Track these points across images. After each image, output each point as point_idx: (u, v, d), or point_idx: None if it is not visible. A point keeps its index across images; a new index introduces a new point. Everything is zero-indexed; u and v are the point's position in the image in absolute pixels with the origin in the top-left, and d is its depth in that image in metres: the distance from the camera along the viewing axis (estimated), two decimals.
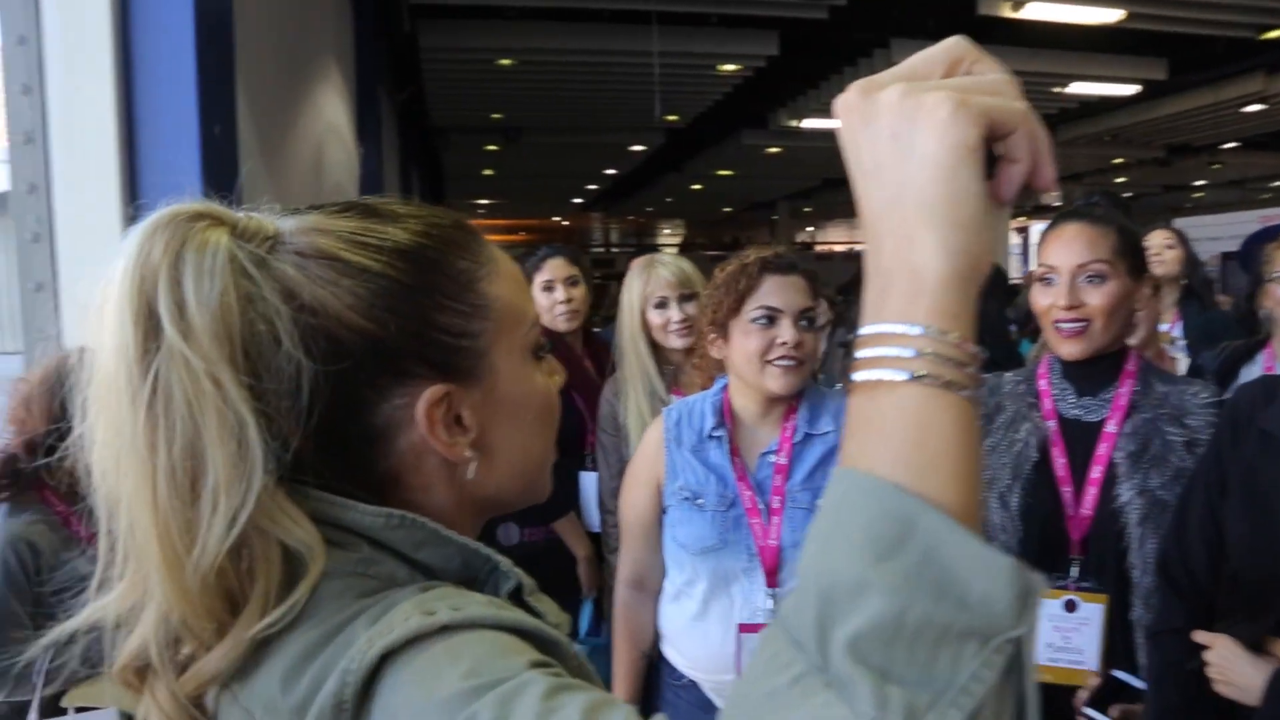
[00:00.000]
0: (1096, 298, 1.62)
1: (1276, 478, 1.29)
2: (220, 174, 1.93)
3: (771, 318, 1.62)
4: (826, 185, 17.41)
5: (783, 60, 8.00)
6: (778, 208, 20.85)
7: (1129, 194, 20.75)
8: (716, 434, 1.69)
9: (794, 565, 1.59)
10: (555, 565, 2.61)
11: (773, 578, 1.61)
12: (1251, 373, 2.35)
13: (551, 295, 2.82)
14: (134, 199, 1.84)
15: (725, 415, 1.71)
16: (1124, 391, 1.66)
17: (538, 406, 0.73)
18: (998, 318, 3.79)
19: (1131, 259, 1.68)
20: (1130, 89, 9.37)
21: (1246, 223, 12.07)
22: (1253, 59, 8.63)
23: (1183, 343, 3.24)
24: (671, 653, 1.74)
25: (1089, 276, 1.63)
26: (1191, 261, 3.53)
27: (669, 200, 20.29)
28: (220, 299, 0.59)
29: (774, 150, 12.80)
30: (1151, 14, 7.01)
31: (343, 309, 0.63)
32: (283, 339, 0.61)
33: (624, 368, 2.48)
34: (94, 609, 0.62)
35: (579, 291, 2.85)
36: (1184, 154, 14.23)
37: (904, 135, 0.49)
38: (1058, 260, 1.65)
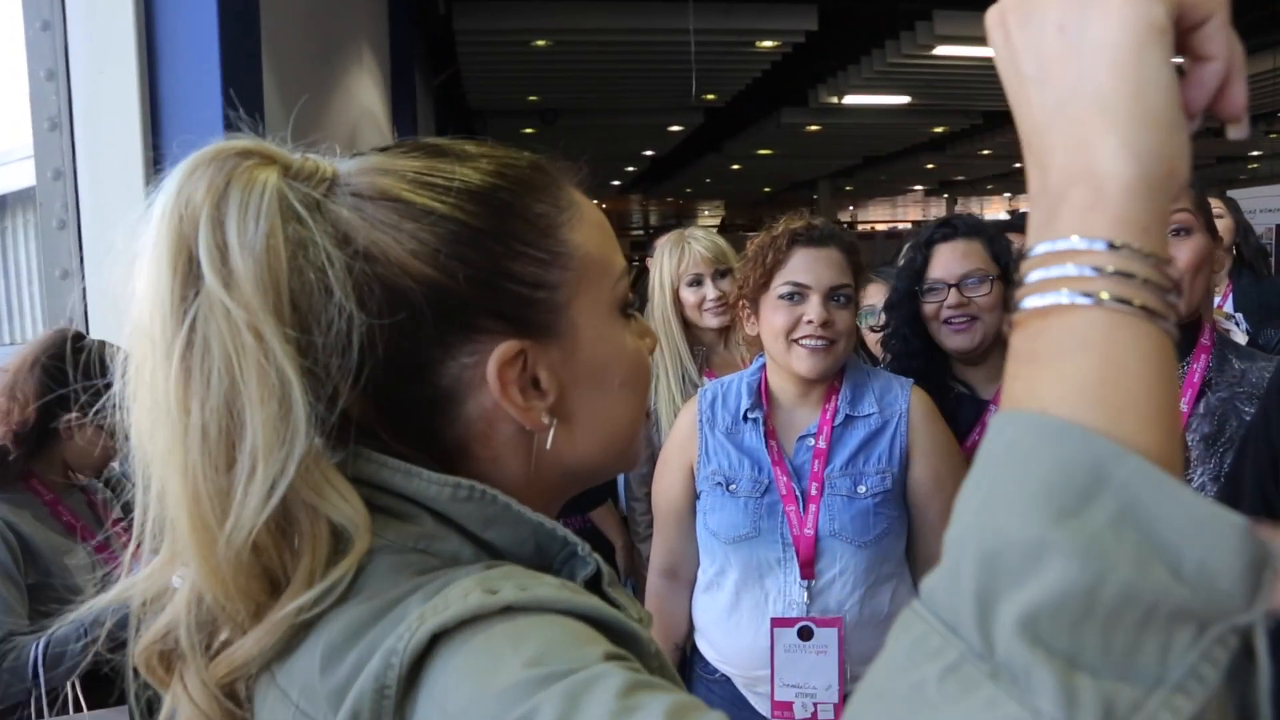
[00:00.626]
0: (1184, 252, 1.48)
1: None
2: None
3: (799, 294, 1.51)
4: (867, 163, 17.16)
5: (822, 35, 7.84)
6: (818, 187, 20.59)
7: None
8: (753, 415, 1.58)
9: (832, 555, 1.49)
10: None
11: (808, 569, 1.50)
12: None
13: None
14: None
15: (762, 396, 1.60)
16: (1198, 368, 1.50)
17: (626, 368, 0.65)
18: None
19: (1207, 217, 1.54)
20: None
21: None
22: None
23: (1239, 317, 3.10)
24: (704, 645, 1.66)
25: (1175, 228, 1.47)
26: (1244, 230, 3.31)
27: (708, 181, 20.14)
28: (266, 242, 0.53)
29: (814, 128, 12.59)
30: None
31: (404, 255, 0.56)
32: (334, 288, 0.54)
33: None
34: (124, 586, 0.57)
35: None
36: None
37: (1073, 24, 0.41)
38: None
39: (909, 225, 30.89)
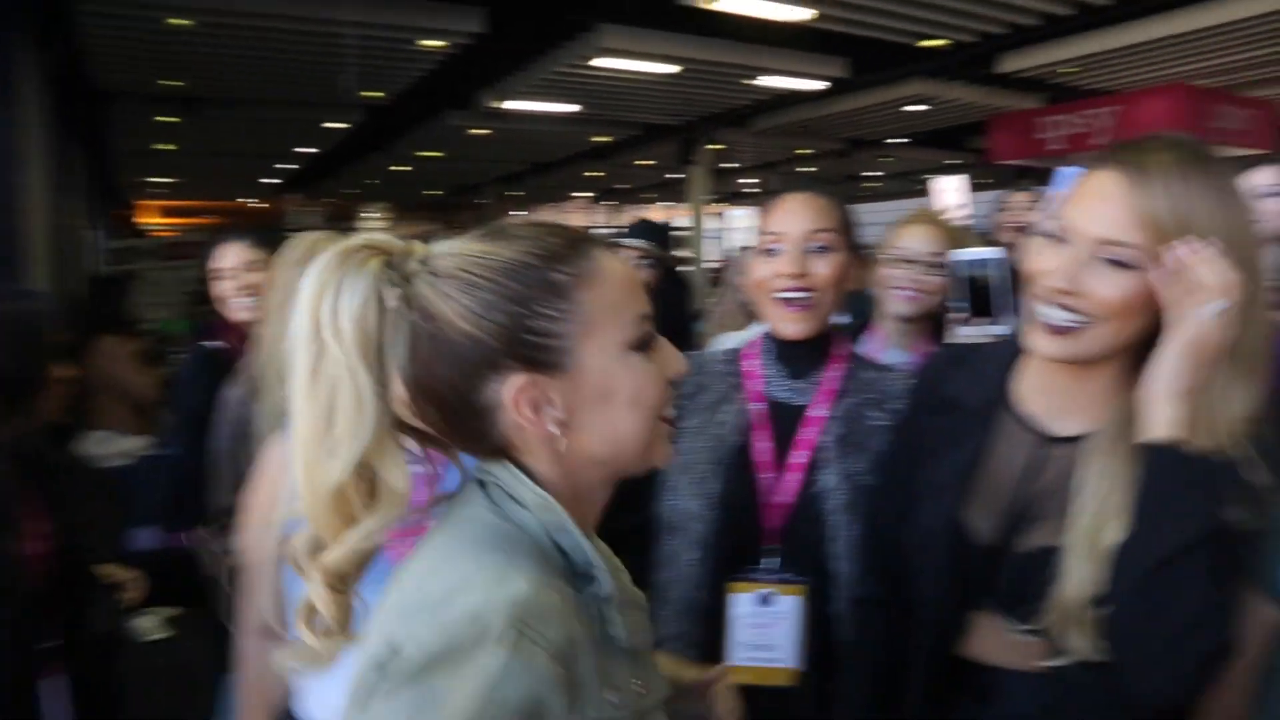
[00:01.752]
0: (824, 267, 1.58)
1: (949, 441, 1.24)
2: None
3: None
4: (536, 170, 17.36)
5: (489, 39, 7.73)
6: (485, 192, 20.54)
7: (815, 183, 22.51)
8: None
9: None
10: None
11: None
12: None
13: (229, 283, 2.61)
14: None
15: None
16: (833, 375, 1.65)
17: (629, 391, 0.86)
18: (679, 314, 3.76)
19: (851, 236, 1.67)
20: (818, 84, 10.01)
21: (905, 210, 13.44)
22: (916, 64, 9.51)
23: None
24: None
25: (818, 246, 1.58)
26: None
27: (373, 182, 19.35)
28: (361, 310, 0.81)
29: (482, 132, 12.49)
30: (836, 15, 7.48)
31: (454, 316, 0.82)
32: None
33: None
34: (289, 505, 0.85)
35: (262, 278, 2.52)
36: (860, 147, 15.56)
37: None
38: (785, 227, 1.59)
39: (626, 229, 31.97)
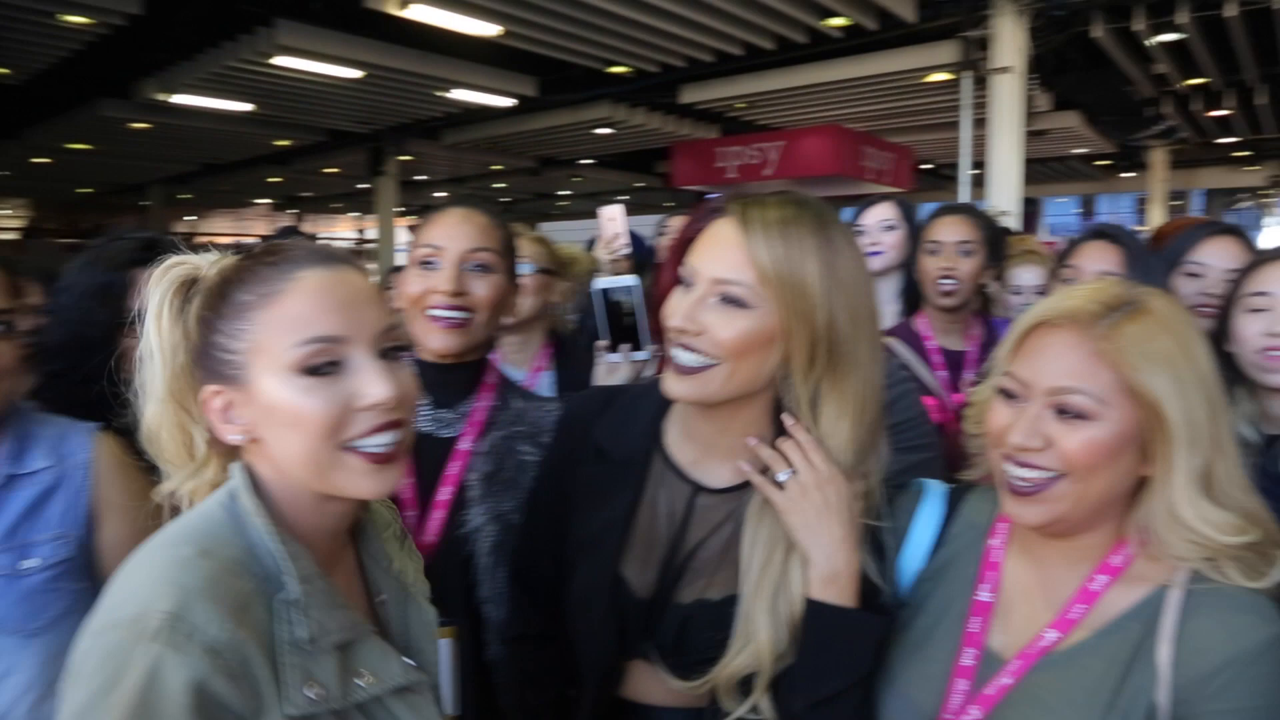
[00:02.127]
0: (483, 288, 1.50)
1: (603, 492, 1.20)
2: None
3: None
4: (207, 171, 16.00)
5: (150, 22, 6.98)
6: (149, 192, 18.63)
7: (507, 199, 22.63)
8: None
9: None
10: None
11: None
12: None
13: None
14: None
15: None
16: (482, 406, 1.54)
17: (287, 414, 0.86)
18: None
19: (512, 259, 1.60)
20: (507, 101, 10.03)
21: (594, 230, 13.86)
22: (603, 88, 9.82)
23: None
24: None
25: (477, 265, 1.50)
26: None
27: (5, 174, 16.85)
28: (162, 320, 0.94)
29: (142, 126, 11.28)
30: (524, 34, 7.53)
31: (184, 328, 0.93)
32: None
33: None
34: None
35: None
36: (551, 165, 15.83)
37: None
38: (444, 242, 1.49)
39: (257, 240, 29.72)
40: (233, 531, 0.86)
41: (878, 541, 1.13)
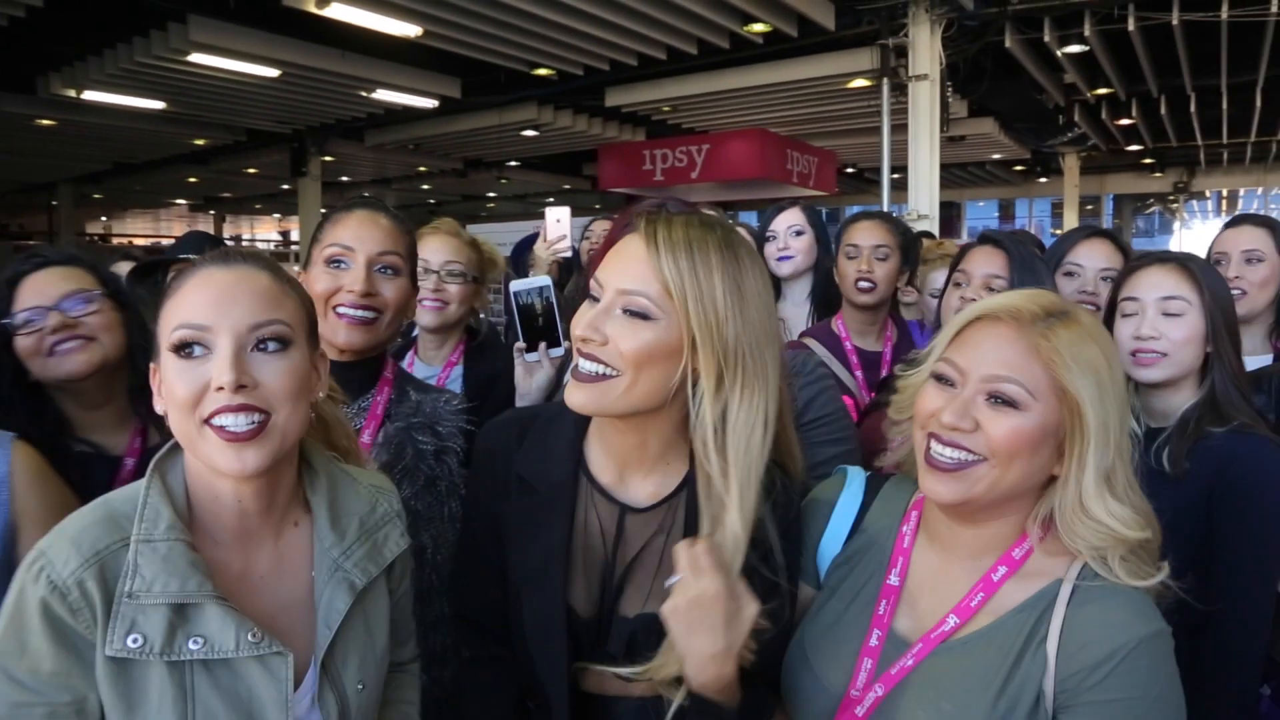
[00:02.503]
0: (391, 290, 1.58)
1: (535, 522, 1.20)
2: None
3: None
4: (120, 170, 15.53)
5: (53, 14, 6.74)
6: (58, 191, 18.00)
7: (433, 200, 22.41)
8: None
9: None
10: None
11: None
12: None
13: None
14: None
15: None
16: (381, 400, 1.62)
17: (165, 388, 1.05)
18: None
19: (414, 263, 1.68)
20: (430, 102, 9.93)
21: (526, 231, 13.84)
22: (529, 90, 9.79)
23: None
24: None
25: (385, 267, 1.58)
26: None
27: None
28: None
29: (48, 123, 10.89)
30: (445, 35, 7.46)
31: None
32: None
33: None
34: None
35: None
36: (478, 167, 15.72)
37: None
38: (354, 243, 1.56)
39: (173, 241, 28.91)
40: (138, 493, 1.04)
41: (798, 534, 1.19)
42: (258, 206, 22.94)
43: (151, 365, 1.07)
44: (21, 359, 1.55)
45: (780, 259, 2.62)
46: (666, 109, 11.08)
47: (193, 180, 16.50)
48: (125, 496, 1.04)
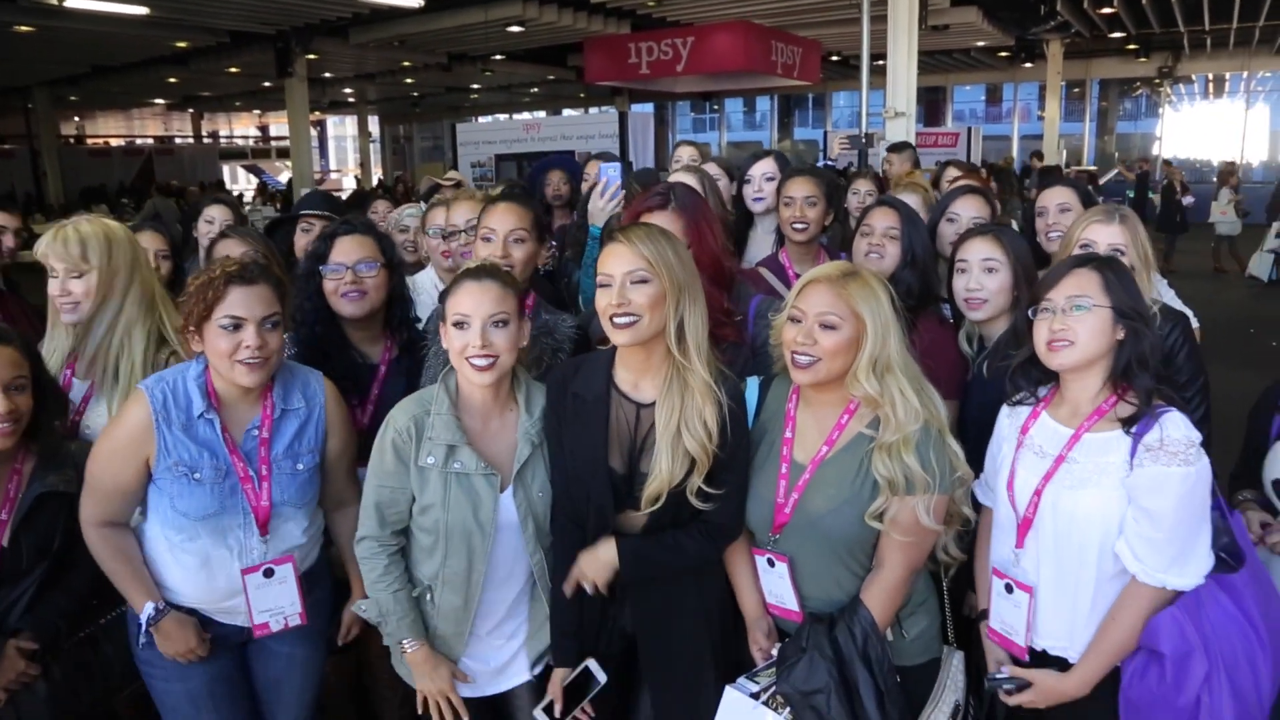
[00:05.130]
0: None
1: (585, 420, 1.87)
2: None
3: (237, 325, 1.87)
4: (98, 72, 15.38)
5: None
6: (34, 95, 17.81)
7: (417, 93, 22.16)
8: (208, 416, 1.93)
9: (282, 516, 1.98)
10: None
11: (264, 529, 1.95)
12: None
13: None
14: None
15: (212, 397, 1.94)
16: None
17: (447, 341, 1.88)
18: None
19: (541, 230, 2.38)
20: (416, 1, 9.92)
21: (514, 128, 13.87)
22: None
23: None
24: (170, 592, 1.96)
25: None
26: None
27: None
28: None
29: (27, 29, 10.83)
30: None
31: None
32: None
33: None
34: None
35: None
36: (462, 61, 15.62)
37: None
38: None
39: (150, 140, 28.40)
40: (435, 390, 1.91)
41: (741, 405, 1.88)
42: (237, 104, 22.65)
43: (440, 324, 1.90)
44: (325, 295, 2.29)
45: (755, 200, 3.21)
46: (651, 3, 11.07)
47: (172, 81, 16.35)
48: (428, 394, 1.91)
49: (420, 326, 2.43)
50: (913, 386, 1.73)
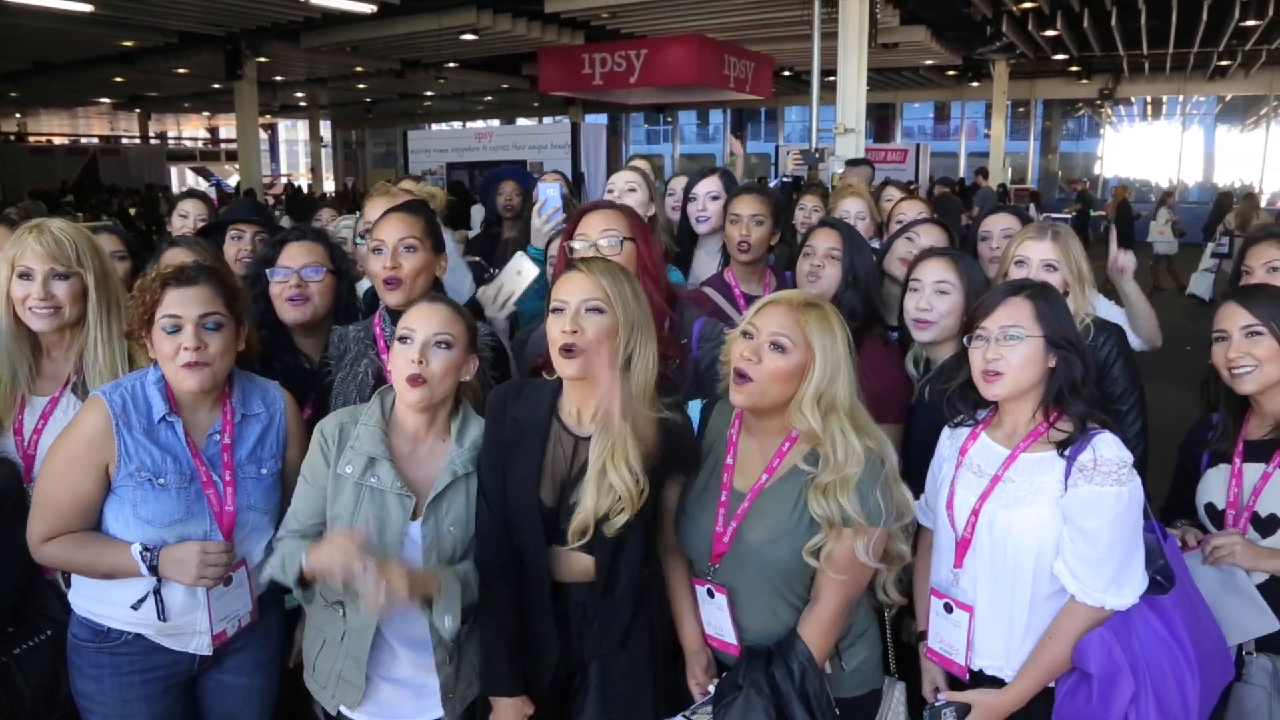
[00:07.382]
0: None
1: (522, 446, 1.83)
2: None
3: (177, 326, 1.82)
4: (39, 69, 15.01)
5: None
6: None
7: (369, 99, 21.96)
8: (169, 419, 1.87)
9: (247, 524, 1.91)
10: None
11: (229, 537, 1.87)
12: None
13: None
14: None
15: (171, 401, 1.88)
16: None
17: (389, 355, 1.90)
18: None
19: (436, 239, 2.22)
20: (368, 7, 9.85)
21: (466, 137, 13.79)
22: None
23: None
24: (108, 618, 1.87)
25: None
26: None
27: None
28: None
29: None
30: None
31: None
32: None
33: None
34: None
35: None
36: (415, 68, 15.51)
37: None
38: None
39: (95, 139, 27.76)
40: (371, 402, 1.91)
41: (688, 429, 1.88)
42: (186, 105, 22.25)
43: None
44: (271, 299, 2.30)
45: (699, 219, 3.12)
46: (605, 15, 11.10)
47: (118, 80, 16.01)
48: (362, 407, 1.90)
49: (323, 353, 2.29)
50: (857, 431, 1.68)
